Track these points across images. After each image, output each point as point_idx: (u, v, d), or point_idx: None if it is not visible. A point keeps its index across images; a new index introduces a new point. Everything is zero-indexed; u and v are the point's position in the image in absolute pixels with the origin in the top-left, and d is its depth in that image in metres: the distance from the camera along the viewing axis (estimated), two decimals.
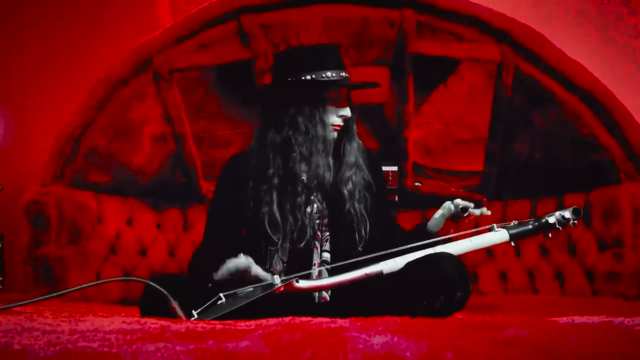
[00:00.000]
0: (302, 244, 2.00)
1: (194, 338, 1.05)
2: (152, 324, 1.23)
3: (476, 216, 2.01)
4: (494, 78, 2.80)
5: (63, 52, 3.24)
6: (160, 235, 2.95)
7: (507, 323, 1.21)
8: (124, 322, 1.27)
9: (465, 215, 1.96)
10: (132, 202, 2.94)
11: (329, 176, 2.03)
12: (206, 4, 2.81)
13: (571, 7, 3.12)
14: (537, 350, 0.94)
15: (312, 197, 2.05)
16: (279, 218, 2.00)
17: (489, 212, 1.95)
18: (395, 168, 2.92)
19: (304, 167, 2.01)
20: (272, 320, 1.26)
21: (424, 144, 2.98)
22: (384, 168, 2.88)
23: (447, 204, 1.99)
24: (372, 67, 2.82)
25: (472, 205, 1.95)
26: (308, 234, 2.00)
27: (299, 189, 2.02)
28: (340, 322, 1.20)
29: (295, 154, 2.01)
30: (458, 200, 1.97)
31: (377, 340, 0.98)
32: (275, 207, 2.01)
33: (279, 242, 1.99)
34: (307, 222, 2.01)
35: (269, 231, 1.98)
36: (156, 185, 2.94)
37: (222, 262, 1.85)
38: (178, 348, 0.96)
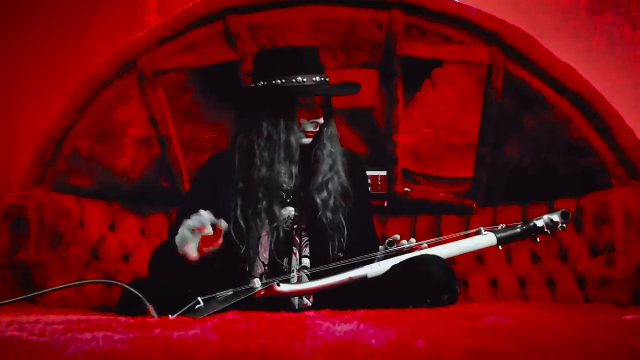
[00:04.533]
0: (267, 251, 1.92)
1: (141, 328, 0.92)
2: (105, 318, 1.11)
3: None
4: (483, 82, 2.69)
5: (50, 54, 3.12)
6: (143, 241, 2.80)
7: (485, 311, 1.08)
8: (78, 318, 1.14)
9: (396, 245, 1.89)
10: (114, 207, 2.80)
11: (291, 184, 1.95)
12: (191, 4, 2.71)
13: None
14: (519, 339, 0.81)
15: (284, 202, 1.97)
16: (242, 224, 1.92)
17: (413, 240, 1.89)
18: (384, 173, 2.81)
19: (264, 173, 1.93)
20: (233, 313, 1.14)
21: (413, 150, 2.87)
22: (373, 173, 2.78)
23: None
24: (360, 70, 2.70)
25: (397, 237, 1.87)
26: (271, 240, 1.92)
27: (260, 195, 1.94)
28: (307, 312, 1.08)
29: (256, 160, 1.93)
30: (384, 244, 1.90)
31: (341, 327, 0.85)
32: (239, 212, 1.93)
33: (243, 249, 1.91)
34: (268, 229, 1.93)
35: (233, 237, 1.90)
36: (140, 189, 2.79)
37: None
38: (117, 337, 0.83)
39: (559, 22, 3.07)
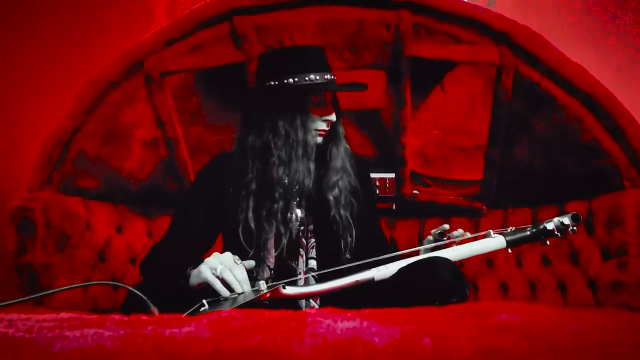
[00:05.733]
0: (277, 253, 1.86)
1: (133, 325, 0.87)
2: (99, 316, 1.05)
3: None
4: (493, 83, 2.62)
5: (58, 53, 3.05)
6: (151, 243, 2.73)
7: (496, 309, 1.01)
8: (70, 316, 1.09)
9: (445, 239, 1.85)
10: (122, 209, 2.76)
11: (309, 182, 1.88)
12: (198, 5, 2.66)
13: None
14: (532, 338, 0.74)
15: (293, 204, 1.91)
16: (253, 226, 1.85)
17: (468, 234, 1.84)
18: (392, 175, 2.75)
19: (282, 172, 1.87)
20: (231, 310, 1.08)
21: (422, 153, 2.81)
22: (382, 175, 2.72)
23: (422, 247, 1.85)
24: (368, 71, 2.64)
25: (446, 227, 1.83)
26: (283, 242, 1.86)
27: (277, 195, 1.87)
28: (309, 310, 1.02)
29: (274, 159, 1.87)
30: (429, 237, 1.85)
31: (343, 325, 0.79)
32: (250, 214, 1.86)
33: (252, 251, 1.85)
34: (282, 231, 1.87)
35: (242, 239, 1.84)
36: (147, 191, 2.74)
37: (184, 262, 1.71)
38: (107, 334, 0.78)
39: (570, 23, 3.01)
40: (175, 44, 2.62)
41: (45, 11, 3.07)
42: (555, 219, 1.86)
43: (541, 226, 1.85)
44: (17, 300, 1.57)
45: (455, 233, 1.83)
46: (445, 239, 1.82)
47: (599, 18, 3.01)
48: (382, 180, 2.73)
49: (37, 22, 3.06)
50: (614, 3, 3.01)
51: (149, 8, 3.15)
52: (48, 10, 3.07)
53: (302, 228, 1.93)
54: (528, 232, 1.85)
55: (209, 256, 1.70)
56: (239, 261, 1.67)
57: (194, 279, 1.66)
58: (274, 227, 1.87)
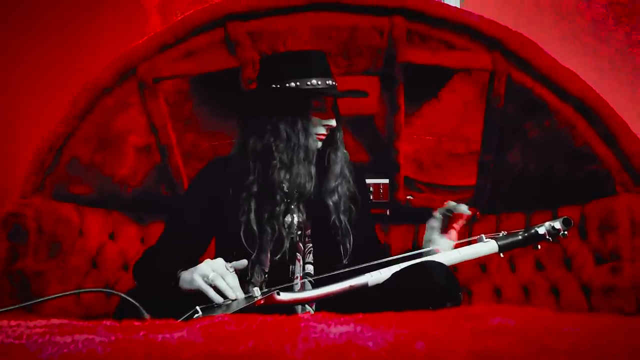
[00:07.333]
0: (279, 256, 1.85)
1: (125, 331, 0.86)
2: (91, 322, 1.04)
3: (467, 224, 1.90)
4: (486, 89, 2.63)
5: (58, 54, 3.03)
6: (144, 250, 2.74)
7: (490, 312, 1.00)
8: (61, 322, 1.08)
9: (451, 220, 1.84)
10: (115, 215, 2.74)
11: (310, 186, 1.88)
12: (192, 10, 2.66)
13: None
14: (526, 341, 0.74)
15: (292, 207, 1.91)
16: (255, 228, 1.84)
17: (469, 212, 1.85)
18: (386, 181, 2.75)
19: (284, 175, 1.86)
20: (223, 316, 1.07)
21: (416, 159, 2.81)
22: (376, 181, 2.73)
23: (429, 223, 1.84)
24: (361, 77, 2.64)
25: (453, 204, 1.84)
26: (285, 245, 1.85)
27: (278, 198, 1.87)
28: (302, 315, 1.01)
29: (275, 162, 1.86)
30: (437, 211, 1.84)
31: (337, 330, 0.78)
32: (252, 216, 1.86)
33: (254, 253, 1.83)
34: (284, 234, 1.86)
35: (243, 241, 1.83)
36: (141, 197, 2.73)
37: (179, 265, 1.70)
38: (98, 339, 0.77)
39: (561, 28, 3.02)
40: (168, 50, 2.61)
41: (45, 11, 3.04)
42: (547, 224, 1.88)
43: (533, 230, 1.86)
44: (8, 308, 1.56)
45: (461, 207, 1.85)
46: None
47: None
48: (376, 186, 2.73)
49: (37, 22, 3.04)
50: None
51: (148, 9, 3.14)
52: (48, 10, 3.05)
53: (299, 232, 1.92)
54: (520, 237, 1.86)
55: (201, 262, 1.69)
56: (230, 268, 1.66)
57: (185, 286, 1.65)
58: (276, 230, 1.86)
